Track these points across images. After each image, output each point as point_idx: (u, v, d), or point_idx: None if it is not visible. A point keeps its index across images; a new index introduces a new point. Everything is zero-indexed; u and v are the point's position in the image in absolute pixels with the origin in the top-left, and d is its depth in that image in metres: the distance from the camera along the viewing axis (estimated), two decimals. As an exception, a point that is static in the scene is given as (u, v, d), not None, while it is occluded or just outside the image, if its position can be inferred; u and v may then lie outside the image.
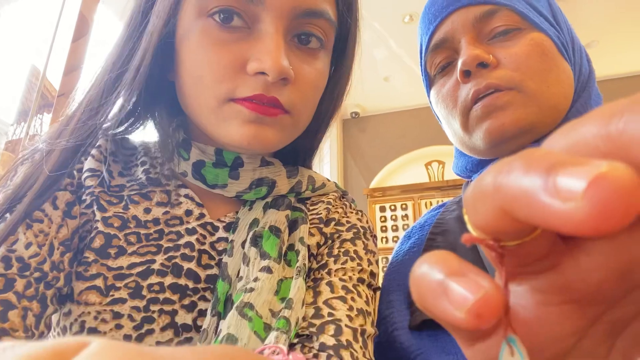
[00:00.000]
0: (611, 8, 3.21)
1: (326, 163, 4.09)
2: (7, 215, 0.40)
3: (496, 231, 0.15)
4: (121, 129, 0.51)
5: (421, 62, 0.62)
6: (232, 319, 0.39)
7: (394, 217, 4.01)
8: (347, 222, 0.53)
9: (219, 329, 0.39)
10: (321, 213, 0.52)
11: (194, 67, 0.43)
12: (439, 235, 0.56)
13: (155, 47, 0.44)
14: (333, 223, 0.52)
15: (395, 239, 3.91)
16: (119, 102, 0.46)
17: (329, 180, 0.57)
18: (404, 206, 4.00)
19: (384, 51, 3.61)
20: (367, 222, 0.55)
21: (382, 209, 4.05)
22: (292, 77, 0.42)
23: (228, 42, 0.42)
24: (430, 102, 0.62)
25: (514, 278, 0.18)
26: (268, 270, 0.43)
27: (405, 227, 3.87)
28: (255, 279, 0.42)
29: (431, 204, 3.90)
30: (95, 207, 0.45)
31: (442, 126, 0.62)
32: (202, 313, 0.43)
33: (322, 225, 0.51)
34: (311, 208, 0.54)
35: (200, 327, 0.43)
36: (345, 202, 0.57)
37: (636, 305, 0.16)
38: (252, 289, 0.41)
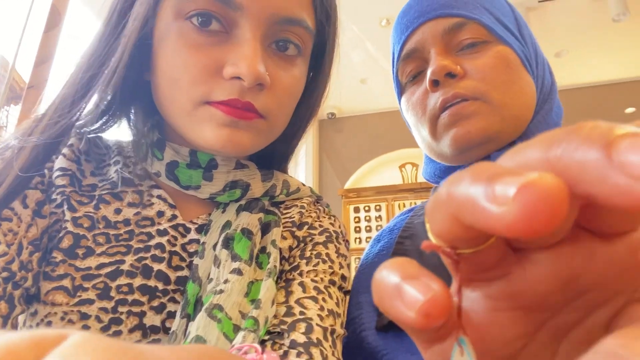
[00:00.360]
0: (581, 18, 3.31)
1: (301, 163, 4.09)
2: None
3: (452, 238, 0.16)
4: (95, 127, 0.50)
5: (393, 70, 0.63)
6: (201, 320, 0.39)
7: (367, 218, 4.04)
8: (320, 226, 0.53)
9: (187, 331, 0.39)
10: (294, 217, 0.53)
11: (170, 69, 0.43)
12: (407, 239, 0.58)
13: (133, 48, 0.43)
14: (306, 227, 0.52)
15: (368, 239, 3.94)
16: (93, 100, 0.46)
17: (304, 185, 0.57)
18: (377, 207, 4.04)
19: (361, 54, 3.64)
20: (339, 226, 0.56)
21: (357, 210, 4.08)
22: (267, 82, 0.43)
23: (205, 46, 0.42)
24: (401, 109, 0.64)
25: (468, 284, 0.19)
26: (238, 272, 0.43)
27: (379, 227, 3.91)
28: (226, 281, 0.42)
29: (404, 206, 3.95)
30: (65, 207, 0.44)
31: (412, 132, 0.64)
32: (171, 315, 0.43)
33: (294, 229, 0.52)
34: (284, 212, 0.54)
35: (169, 329, 0.42)
36: (319, 207, 0.57)
37: (578, 313, 0.18)
38: (221, 291, 0.41)
